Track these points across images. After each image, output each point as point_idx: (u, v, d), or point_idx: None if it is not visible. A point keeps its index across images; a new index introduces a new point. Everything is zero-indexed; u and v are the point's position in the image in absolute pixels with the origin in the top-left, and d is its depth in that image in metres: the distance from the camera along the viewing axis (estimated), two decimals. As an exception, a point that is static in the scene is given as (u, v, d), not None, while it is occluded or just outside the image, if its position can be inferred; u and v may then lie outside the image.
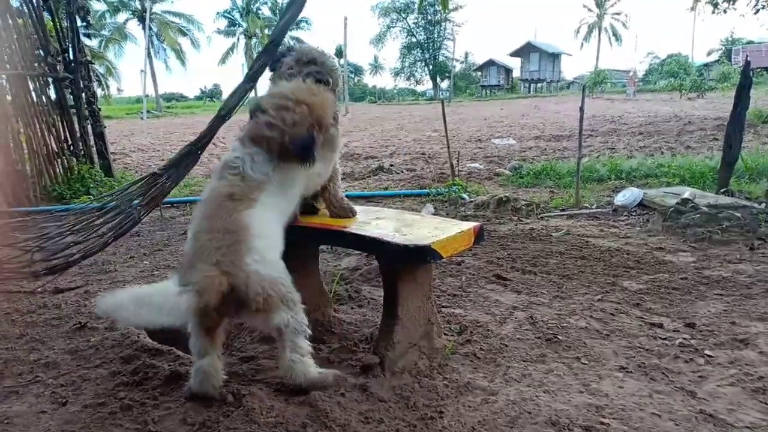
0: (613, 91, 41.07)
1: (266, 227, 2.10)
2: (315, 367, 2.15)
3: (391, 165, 8.99)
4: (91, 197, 6.96)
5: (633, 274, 3.55)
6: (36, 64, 6.83)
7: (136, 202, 2.95)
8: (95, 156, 7.55)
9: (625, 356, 2.46)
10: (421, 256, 2.18)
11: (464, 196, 6.42)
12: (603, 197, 6.16)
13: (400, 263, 2.31)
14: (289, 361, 2.08)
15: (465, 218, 5.37)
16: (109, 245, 3.20)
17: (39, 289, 3.51)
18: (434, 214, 5.62)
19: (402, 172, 8.67)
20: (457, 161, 7.41)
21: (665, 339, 2.61)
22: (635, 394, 2.15)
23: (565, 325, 2.78)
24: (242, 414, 1.97)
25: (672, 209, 4.80)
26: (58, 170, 7.04)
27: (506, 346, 2.58)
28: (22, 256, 3.02)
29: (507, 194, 5.72)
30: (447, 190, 6.78)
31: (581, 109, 6.03)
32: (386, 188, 7.46)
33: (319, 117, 2.22)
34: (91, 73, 7.41)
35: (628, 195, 5.72)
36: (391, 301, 2.37)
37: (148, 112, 34.52)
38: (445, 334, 2.70)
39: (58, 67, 6.99)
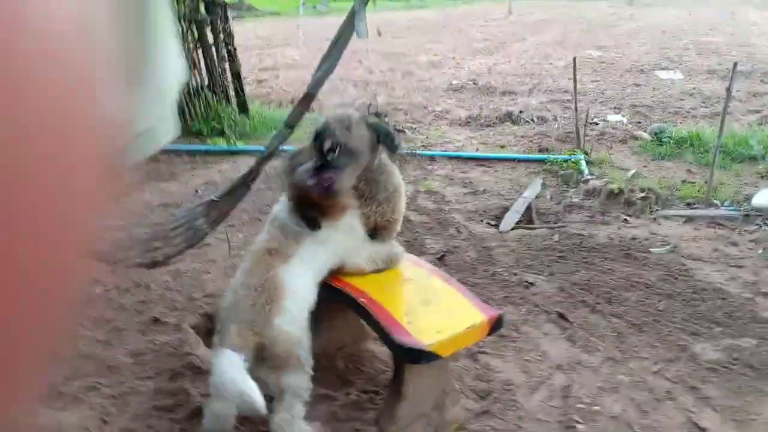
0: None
1: (300, 284, 2.23)
2: (306, 428, 2.27)
3: (521, 112, 8.43)
4: (226, 136, 7.52)
5: (714, 333, 3.14)
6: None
7: (200, 221, 3.17)
8: (232, 94, 7.99)
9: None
10: (415, 358, 2.14)
11: (584, 170, 5.92)
12: (744, 189, 5.34)
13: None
14: (282, 420, 2.21)
15: (569, 208, 5.01)
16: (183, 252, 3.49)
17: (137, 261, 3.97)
18: (538, 196, 5.31)
19: (532, 121, 8.13)
20: (585, 122, 6.75)
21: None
22: None
23: (597, 408, 2.60)
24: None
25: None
26: (198, 108, 7.59)
27: (521, 428, 2.49)
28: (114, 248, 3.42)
29: (621, 185, 5.16)
30: (567, 158, 6.30)
31: None
32: (504, 146, 7.11)
33: None
34: (228, 14, 7.68)
35: (768, 196, 4.91)
36: (398, 379, 2.37)
37: (313, 7, 34.48)
38: (466, 396, 2.66)
39: (199, 8, 7.35)
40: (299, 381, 2.20)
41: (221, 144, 7.42)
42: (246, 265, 2.31)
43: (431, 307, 2.38)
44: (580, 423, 2.50)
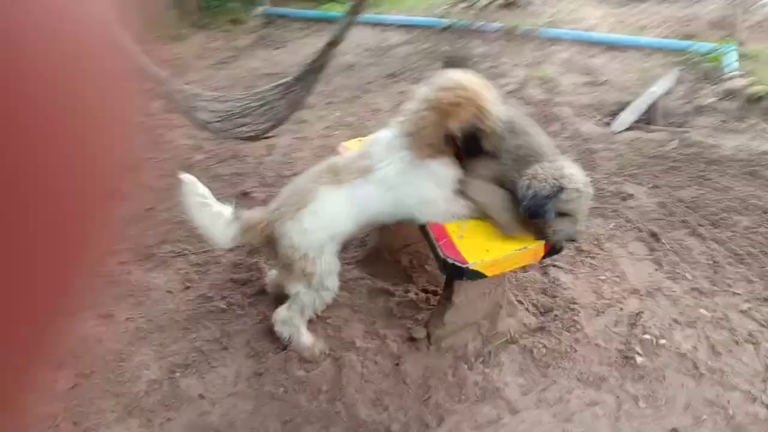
0: None
1: (332, 210, 2.20)
2: (307, 336, 2.38)
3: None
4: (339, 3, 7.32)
5: None
6: None
7: (281, 103, 3.18)
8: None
9: (696, 416, 2.13)
10: (458, 274, 2.09)
11: (731, 64, 5.11)
12: None
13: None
14: (287, 318, 2.35)
15: (700, 110, 4.42)
16: (270, 130, 3.55)
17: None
18: (669, 92, 4.72)
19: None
20: (748, 4, 5.72)
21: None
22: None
23: (664, 341, 2.43)
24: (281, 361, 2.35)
25: None
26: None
27: (575, 351, 2.41)
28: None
29: (763, 88, 4.40)
30: (714, 48, 5.46)
31: None
32: (644, 28, 6.27)
33: None
34: None
35: None
36: (449, 287, 2.34)
37: None
38: (526, 310, 2.60)
39: None
40: (302, 294, 2.27)
41: (334, 10, 7.25)
42: (314, 168, 2.32)
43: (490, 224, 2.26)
44: (640, 355, 2.37)
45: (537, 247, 2.14)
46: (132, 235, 3.12)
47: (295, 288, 2.25)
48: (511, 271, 2.27)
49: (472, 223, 2.23)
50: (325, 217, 2.19)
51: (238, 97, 3.56)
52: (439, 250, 2.12)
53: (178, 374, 2.34)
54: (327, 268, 2.22)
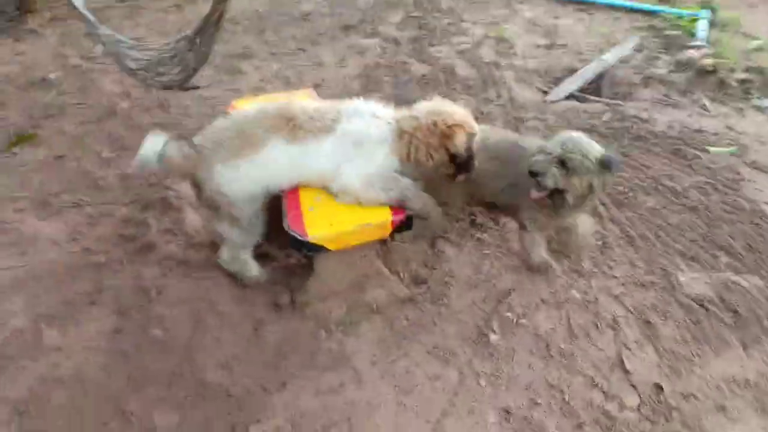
0: None
1: (278, 161, 2.21)
2: (255, 267, 2.51)
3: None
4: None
5: (717, 264, 2.68)
6: None
7: (188, 56, 3.14)
8: None
9: (532, 398, 2.17)
10: (297, 246, 2.09)
11: (698, 32, 4.93)
12: None
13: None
14: (229, 258, 2.49)
15: (647, 81, 4.30)
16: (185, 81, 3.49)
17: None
18: (623, 60, 4.58)
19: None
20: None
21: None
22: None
23: (524, 321, 2.43)
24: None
25: None
26: None
27: (435, 324, 2.42)
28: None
29: (716, 62, 4.25)
30: (683, 14, 5.28)
31: None
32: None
33: None
34: None
35: None
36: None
37: None
38: (401, 281, 2.59)
39: None
40: (233, 236, 2.35)
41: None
42: (258, 110, 2.30)
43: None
44: (494, 333, 2.39)
45: (383, 222, 2.14)
46: (36, 182, 3.15)
47: (225, 230, 2.34)
48: (359, 244, 2.25)
49: (327, 196, 2.22)
50: (268, 169, 2.21)
51: (155, 47, 3.49)
52: (285, 220, 2.11)
53: (43, 325, 2.39)
54: (255, 213, 2.29)
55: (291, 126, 2.19)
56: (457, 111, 2.33)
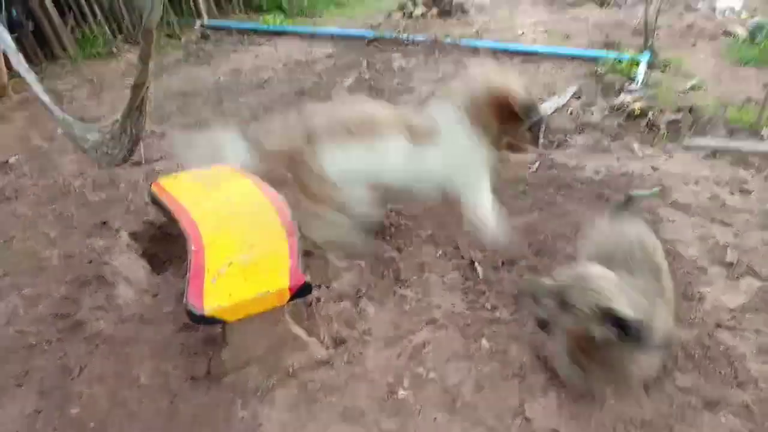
0: None
1: (390, 156, 2.83)
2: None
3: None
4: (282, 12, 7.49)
5: None
6: None
7: (123, 137, 3.33)
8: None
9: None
10: (196, 320, 2.18)
11: (636, 76, 5.11)
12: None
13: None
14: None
15: (582, 127, 4.47)
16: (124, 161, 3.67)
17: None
18: (561, 108, 4.76)
19: (625, 3, 7.11)
20: (658, 11, 5.68)
21: None
22: None
23: (433, 375, 2.50)
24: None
25: None
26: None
27: (347, 385, 2.48)
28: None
29: (646, 105, 4.41)
30: (620, 58, 5.49)
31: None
32: (569, 36, 6.33)
33: None
34: None
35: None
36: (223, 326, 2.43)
37: None
38: (321, 343, 2.66)
39: None
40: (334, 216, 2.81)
41: (274, 22, 7.38)
42: (367, 107, 2.94)
43: (249, 257, 2.35)
44: (404, 389, 2.45)
45: (280, 290, 2.24)
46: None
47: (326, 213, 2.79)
48: (255, 313, 2.32)
49: (239, 264, 2.32)
50: (383, 160, 2.75)
51: (100, 127, 3.69)
52: (185, 290, 2.21)
53: (-31, 411, 2.47)
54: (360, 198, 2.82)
55: (410, 129, 2.77)
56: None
